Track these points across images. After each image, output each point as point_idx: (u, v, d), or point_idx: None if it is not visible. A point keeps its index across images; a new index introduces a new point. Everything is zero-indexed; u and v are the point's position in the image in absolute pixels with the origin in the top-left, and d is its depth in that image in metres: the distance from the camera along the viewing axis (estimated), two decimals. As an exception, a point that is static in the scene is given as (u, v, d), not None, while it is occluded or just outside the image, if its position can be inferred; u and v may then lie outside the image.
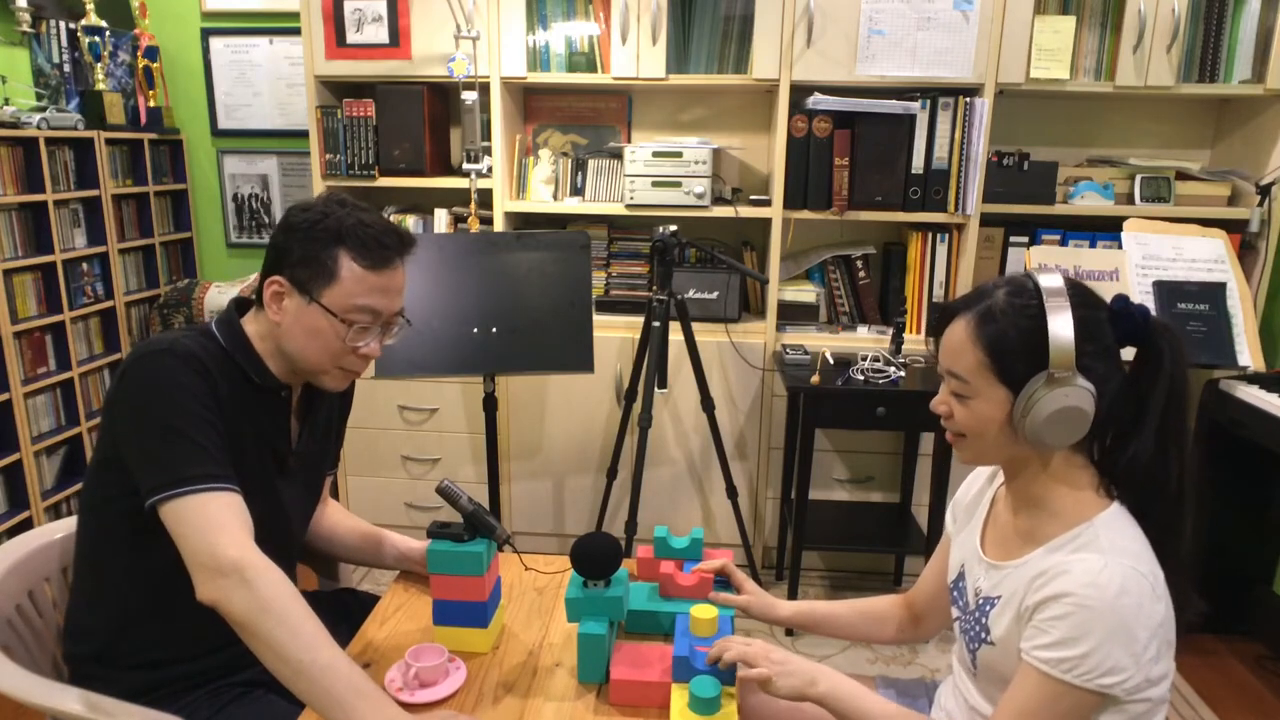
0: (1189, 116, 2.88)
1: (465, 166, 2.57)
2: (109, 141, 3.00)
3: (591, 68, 2.73)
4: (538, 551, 1.84)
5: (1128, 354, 1.08)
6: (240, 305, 1.33)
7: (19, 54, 2.92)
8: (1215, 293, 2.44)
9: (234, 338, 1.27)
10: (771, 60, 2.60)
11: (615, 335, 2.77)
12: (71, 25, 2.98)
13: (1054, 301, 1.01)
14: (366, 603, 1.50)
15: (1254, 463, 2.44)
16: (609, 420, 2.84)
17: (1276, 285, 2.65)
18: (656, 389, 2.45)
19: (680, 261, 2.89)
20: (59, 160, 2.82)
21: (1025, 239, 2.75)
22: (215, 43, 3.29)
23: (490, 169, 2.76)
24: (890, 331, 2.67)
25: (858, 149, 2.65)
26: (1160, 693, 1.00)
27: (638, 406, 2.47)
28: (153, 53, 3.24)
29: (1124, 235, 2.54)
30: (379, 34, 2.71)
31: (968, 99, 2.60)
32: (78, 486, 2.87)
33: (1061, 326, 0.99)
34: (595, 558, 1.22)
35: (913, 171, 2.66)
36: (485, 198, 2.81)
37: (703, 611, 1.21)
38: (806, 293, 2.86)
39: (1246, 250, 2.65)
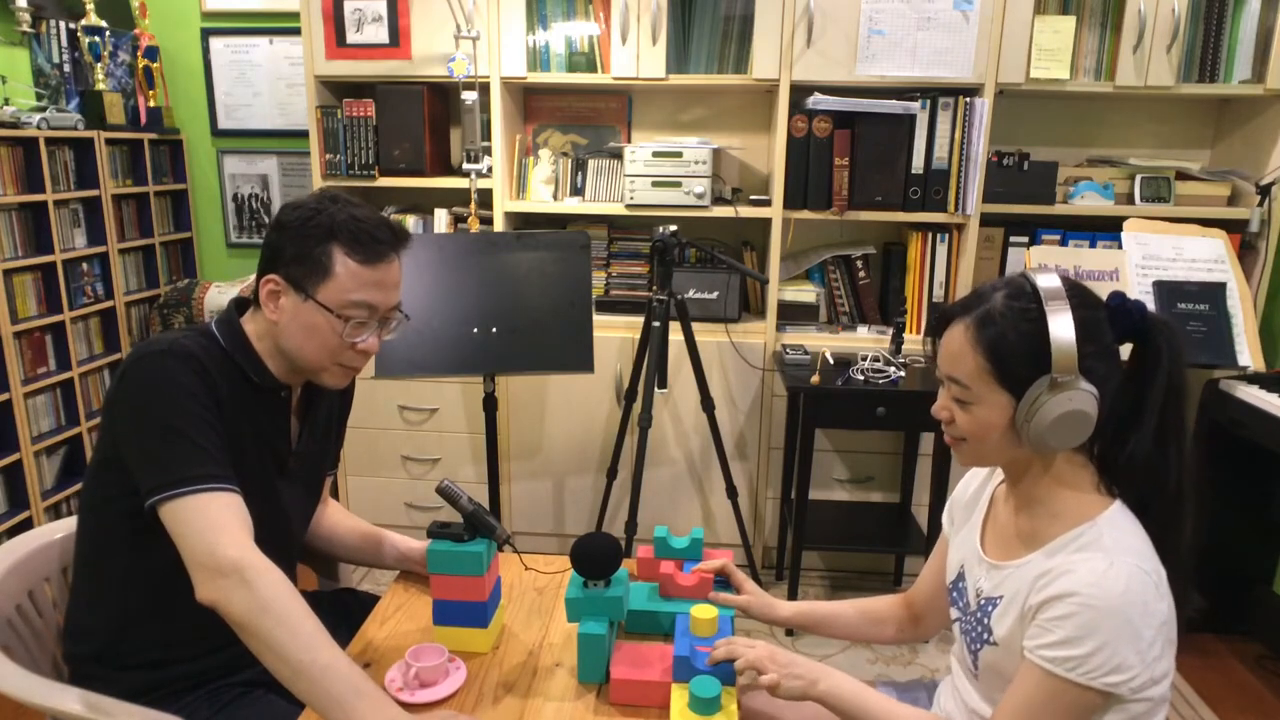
0: (1189, 116, 2.88)
1: (465, 166, 2.57)
2: (109, 141, 3.00)
3: (591, 68, 2.73)
4: (538, 551, 1.84)
5: (1124, 350, 1.07)
6: (240, 305, 1.32)
7: (19, 54, 2.92)
8: (1215, 293, 2.44)
9: (234, 338, 1.27)
10: (771, 60, 2.60)
11: (615, 335, 2.77)
12: (71, 25, 2.98)
13: (1054, 304, 1.00)
14: (366, 603, 1.49)
15: (1254, 463, 2.44)
16: (609, 420, 2.84)
17: (1276, 285, 2.65)
18: (656, 389, 2.45)
19: (680, 261, 2.89)
20: (59, 160, 2.82)
21: (1025, 239, 2.75)
22: (215, 43, 3.29)
23: (490, 169, 2.76)
24: (890, 331, 2.67)
25: (858, 149, 2.65)
26: (1161, 691, 1.00)
27: (638, 406, 2.47)
28: (153, 53, 3.24)
29: (1124, 235, 2.54)
30: (379, 34, 2.71)
31: (968, 99, 2.60)
32: (78, 486, 2.87)
33: (1062, 329, 0.99)
34: (595, 558, 1.22)
35: (913, 171, 2.66)
36: (485, 198, 2.81)
37: (703, 611, 1.21)
38: (806, 293, 2.86)
39: (1246, 250, 2.65)
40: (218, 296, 3.16)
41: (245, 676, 1.28)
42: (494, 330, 2.24)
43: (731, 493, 2.63)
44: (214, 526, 1.09)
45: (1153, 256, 2.51)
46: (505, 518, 2.95)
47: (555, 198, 2.87)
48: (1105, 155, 2.88)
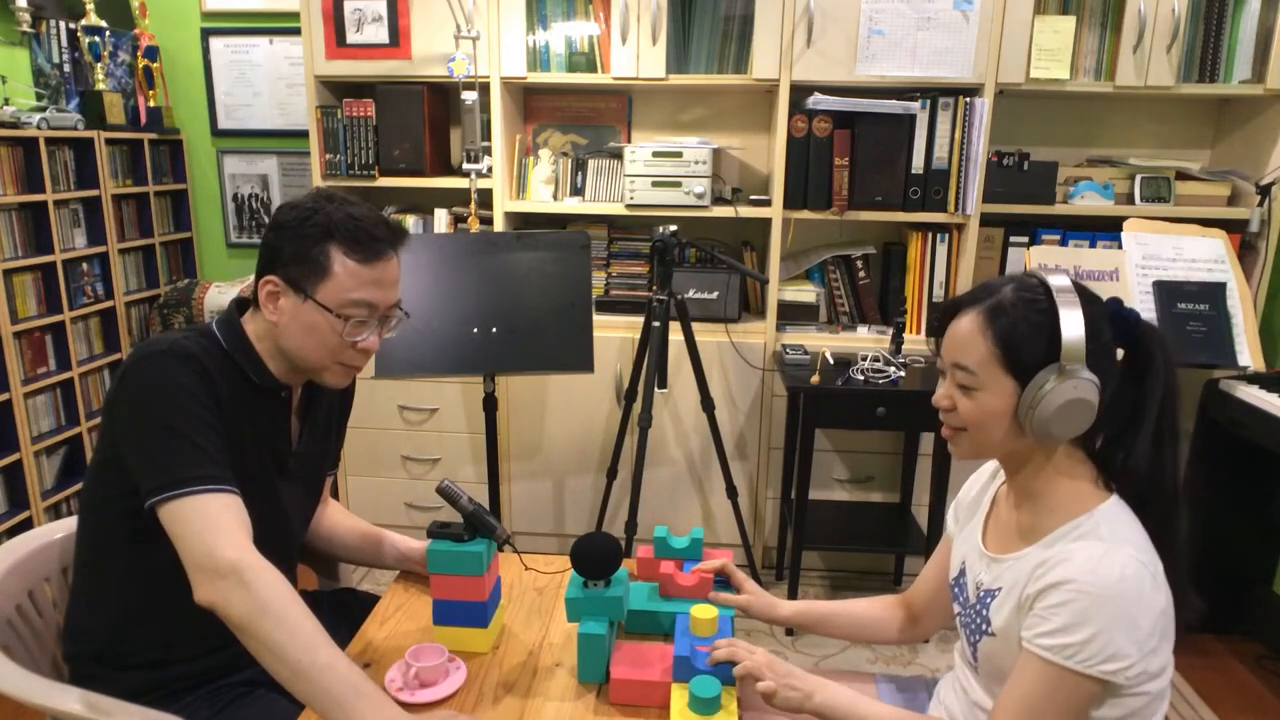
0: (1189, 116, 2.88)
1: (465, 166, 2.57)
2: (109, 141, 3.00)
3: (591, 68, 2.73)
4: (538, 551, 1.84)
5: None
6: (241, 305, 1.32)
7: (19, 54, 2.92)
8: (1215, 293, 2.44)
9: (234, 338, 1.27)
10: (771, 60, 2.60)
11: (615, 335, 2.77)
12: (71, 25, 2.98)
13: (1064, 297, 1.03)
14: (366, 603, 1.50)
15: (1254, 463, 2.44)
16: (609, 420, 2.84)
17: (1276, 285, 2.65)
18: (656, 389, 2.45)
19: (680, 261, 2.89)
20: (59, 160, 2.82)
21: (1025, 239, 2.75)
22: (215, 43, 3.29)
23: (490, 169, 2.76)
24: (890, 331, 2.67)
25: (858, 149, 2.65)
26: (1159, 686, 1.01)
27: (638, 406, 2.47)
28: (153, 53, 3.24)
29: (1124, 235, 2.54)
30: (379, 34, 2.71)
31: (968, 99, 2.60)
32: (78, 486, 2.87)
33: (1073, 319, 1.01)
34: (595, 558, 1.22)
35: (913, 171, 2.66)
36: (485, 198, 2.81)
37: (703, 611, 1.21)
38: (806, 293, 2.86)
39: (1246, 250, 2.65)
40: (218, 296, 3.16)
41: (246, 676, 1.28)
42: (494, 330, 2.24)
43: (731, 493, 2.63)
44: (212, 528, 1.09)
45: (1153, 256, 2.51)
46: (505, 518, 2.95)
47: (555, 198, 2.87)
48: (1105, 155, 2.88)
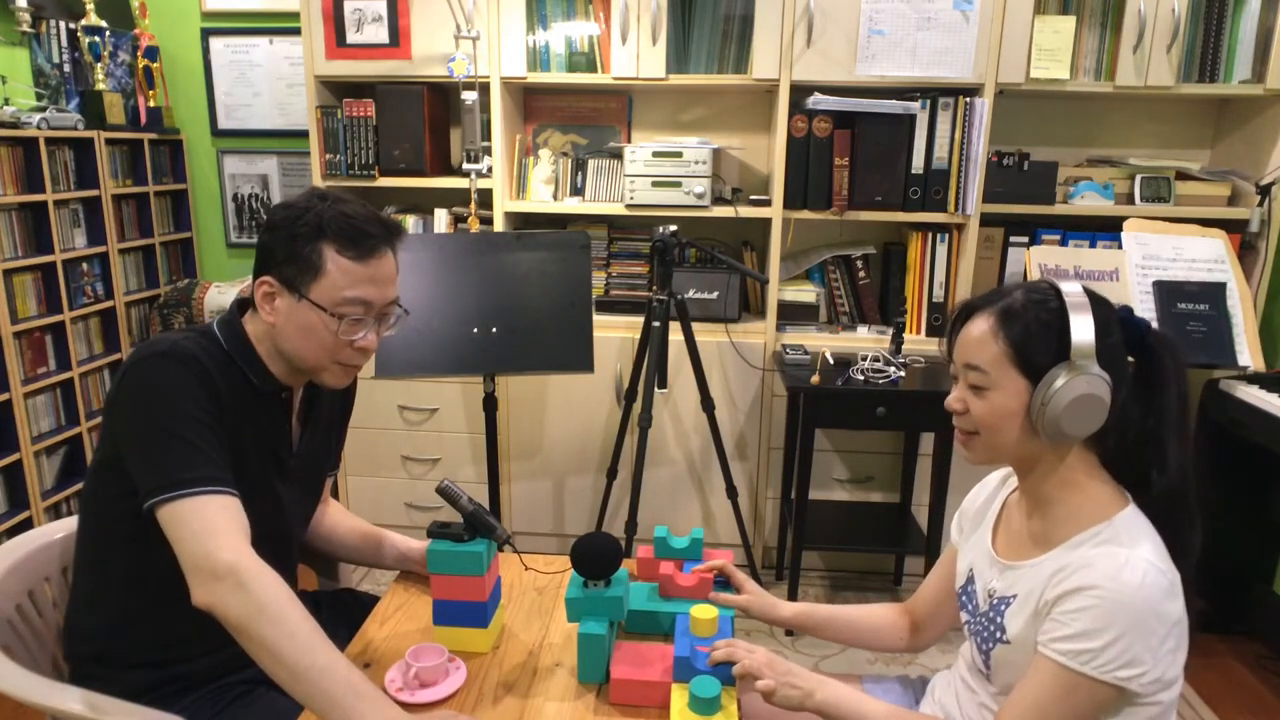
0: (1189, 116, 2.88)
1: (465, 166, 2.57)
2: (109, 141, 3.00)
3: (591, 68, 2.73)
4: (538, 551, 1.84)
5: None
6: (242, 306, 1.32)
7: (19, 54, 2.92)
8: (1215, 293, 2.44)
9: (235, 339, 1.27)
10: (771, 60, 2.60)
11: (615, 335, 2.77)
12: (71, 25, 2.98)
13: (1074, 299, 1.04)
14: (366, 603, 1.50)
15: (1254, 463, 2.44)
16: (609, 420, 2.84)
17: (1276, 285, 2.65)
18: (656, 389, 2.45)
19: (680, 261, 2.89)
20: (59, 160, 2.82)
21: (1025, 239, 2.75)
22: (215, 43, 3.29)
23: (490, 169, 2.76)
24: (890, 331, 2.67)
25: (858, 149, 2.65)
26: (1171, 696, 1.01)
27: (638, 406, 2.47)
28: (153, 53, 3.24)
29: (1124, 235, 2.54)
30: (379, 34, 2.71)
31: (968, 99, 2.60)
32: (78, 486, 2.87)
33: (1083, 319, 1.03)
34: (595, 558, 1.22)
35: (913, 171, 2.66)
36: (485, 198, 2.81)
37: (703, 611, 1.21)
38: (806, 293, 2.86)
39: (1246, 250, 2.65)
40: (218, 296, 3.16)
41: (246, 675, 1.27)
42: (494, 330, 2.24)
43: (731, 493, 2.63)
44: (210, 529, 1.09)
45: (1153, 256, 2.51)
46: (505, 518, 2.95)
47: (555, 198, 2.87)
48: (1105, 155, 2.88)
